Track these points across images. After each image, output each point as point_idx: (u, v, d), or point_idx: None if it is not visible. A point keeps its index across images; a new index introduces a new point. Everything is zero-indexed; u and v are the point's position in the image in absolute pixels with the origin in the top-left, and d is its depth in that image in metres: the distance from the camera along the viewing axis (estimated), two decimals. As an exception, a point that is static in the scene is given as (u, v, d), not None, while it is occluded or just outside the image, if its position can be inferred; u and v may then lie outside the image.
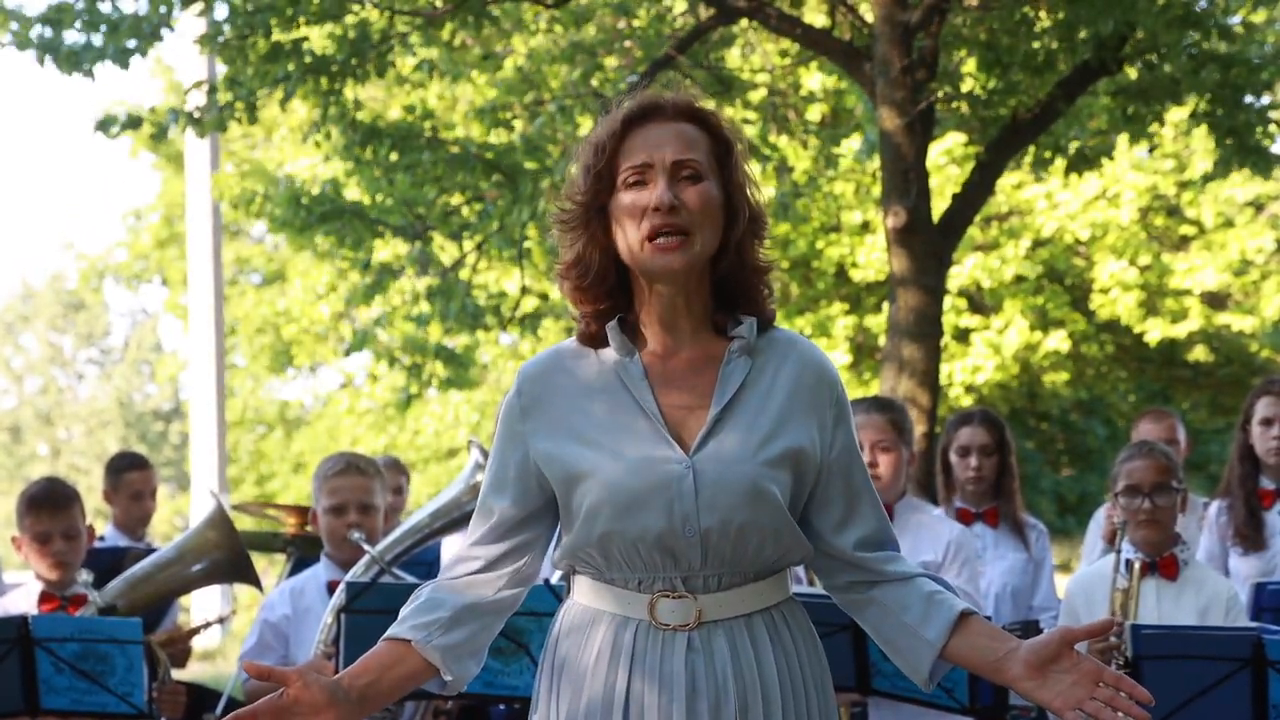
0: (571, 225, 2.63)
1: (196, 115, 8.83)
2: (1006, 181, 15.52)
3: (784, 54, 11.34)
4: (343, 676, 2.54)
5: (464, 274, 10.91)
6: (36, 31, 8.43)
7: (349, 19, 8.90)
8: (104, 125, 8.90)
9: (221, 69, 10.36)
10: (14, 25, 8.47)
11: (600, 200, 2.60)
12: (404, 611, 2.64)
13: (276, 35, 8.60)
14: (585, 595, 2.65)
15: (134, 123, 8.97)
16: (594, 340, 2.66)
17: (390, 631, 2.61)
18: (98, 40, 8.47)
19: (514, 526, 2.67)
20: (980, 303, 17.05)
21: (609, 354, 2.64)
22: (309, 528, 5.22)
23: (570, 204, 2.64)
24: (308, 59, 8.68)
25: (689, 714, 2.53)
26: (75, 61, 8.41)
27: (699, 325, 2.64)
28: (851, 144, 11.64)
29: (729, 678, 2.55)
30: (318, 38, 9.24)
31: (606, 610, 2.61)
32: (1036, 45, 8.69)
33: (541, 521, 2.68)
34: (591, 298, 2.63)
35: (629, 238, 2.57)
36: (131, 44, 8.48)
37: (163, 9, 8.64)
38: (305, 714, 2.48)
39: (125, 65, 8.49)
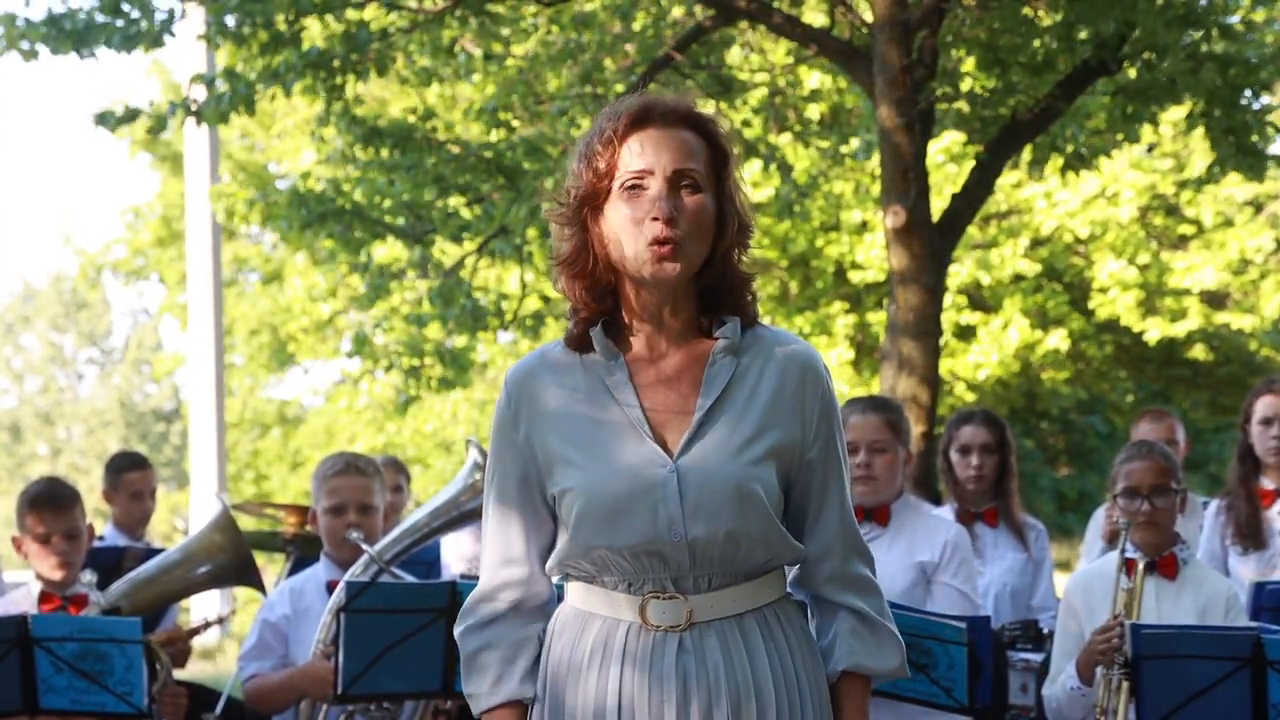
0: (568, 219, 2.63)
1: (194, 108, 8.84)
2: (1005, 180, 15.51)
3: (787, 52, 11.33)
4: None
5: (465, 274, 10.89)
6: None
7: (349, 14, 8.90)
8: (103, 119, 8.92)
9: (220, 62, 10.34)
10: (24, 44, 8.48)
11: (598, 199, 2.60)
12: (494, 663, 2.66)
13: (279, 27, 8.59)
14: (576, 598, 2.65)
15: (131, 115, 8.98)
16: (580, 343, 2.65)
17: (506, 696, 2.64)
18: (100, 21, 8.47)
19: (527, 557, 2.68)
20: (981, 301, 17.04)
21: (593, 358, 2.64)
22: (308, 527, 5.21)
23: (567, 198, 2.64)
24: (308, 50, 8.67)
25: (680, 715, 2.53)
26: (77, 41, 8.41)
27: (684, 328, 2.64)
28: (853, 143, 11.64)
29: (721, 677, 2.55)
30: (317, 31, 9.23)
31: (598, 613, 2.61)
32: (1036, 44, 8.67)
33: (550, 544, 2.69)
34: (585, 290, 2.62)
35: (626, 243, 2.57)
36: (135, 14, 8.46)
37: (165, 12, 8.66)
38: None
39: (129, 50, 8.49)
